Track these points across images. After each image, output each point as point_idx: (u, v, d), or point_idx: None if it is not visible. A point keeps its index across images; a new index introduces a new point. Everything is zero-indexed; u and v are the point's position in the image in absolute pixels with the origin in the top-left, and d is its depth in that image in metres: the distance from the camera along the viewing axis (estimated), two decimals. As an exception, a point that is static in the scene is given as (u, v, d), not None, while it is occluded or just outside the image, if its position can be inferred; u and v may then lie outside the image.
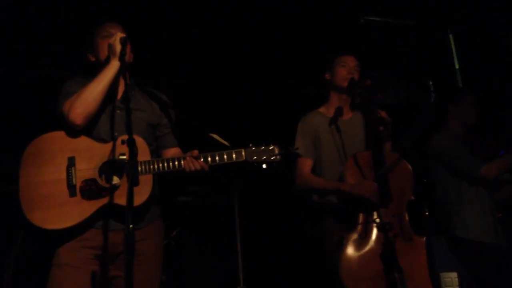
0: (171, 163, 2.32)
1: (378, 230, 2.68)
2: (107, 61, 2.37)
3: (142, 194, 2.23)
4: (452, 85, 3.91)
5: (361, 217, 2.74)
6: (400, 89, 4.51)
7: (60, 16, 3.78)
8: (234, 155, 2.37)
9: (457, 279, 3.68)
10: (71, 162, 2.26)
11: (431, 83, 3.93)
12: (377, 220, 2.68)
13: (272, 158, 2.40)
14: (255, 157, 2.39)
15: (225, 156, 2.36)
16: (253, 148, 2.40)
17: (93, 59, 2.51)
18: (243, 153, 2.38)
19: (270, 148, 2.41)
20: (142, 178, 2.23)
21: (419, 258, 2.68)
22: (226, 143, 2.44)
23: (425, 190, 3.47)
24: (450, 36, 3.97)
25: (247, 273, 4.34)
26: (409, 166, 2.84)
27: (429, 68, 4.23)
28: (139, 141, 2.26)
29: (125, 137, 2.01)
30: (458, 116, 3.46)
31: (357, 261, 2.65)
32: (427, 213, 3.62)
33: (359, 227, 2.72)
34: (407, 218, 2.76)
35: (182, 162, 2.32)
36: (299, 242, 4.58)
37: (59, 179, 2.24)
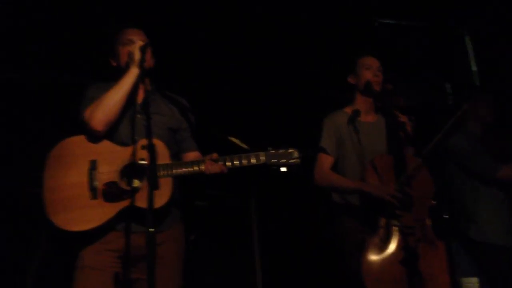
0: (190, 167, 2.34)
1: (400, 234, 2.68)
2: (127, 67, 2.42)
3: (162, 197, 2.25)
4: (469, 87, 3.89)
5: (382, 220, 2.74)
6: (416, 92, 4.49)
7: (84, 22, 3.85)
8: (253, 159, 2.38)
9: (478, 284, 3.63)
10: (93, 165, 2.31)
11: (448, 85, 3.90)
12: (399, 224, 2.68)
13: (291, 161, 2.40)
14: (274, 161, 2.40)
15: (244, 160, 2.37)
16: (272, 152, 2.41)
17: (114, 64, 2.57)
18: (262, 156, 2.39)
19: (289, 151, 2.42)
20: (162, 181, 2.26)
21: (441, 263, 2.67)
22: (245, 146, 2.46)
23: (445, 193, 3.45)
24: (466, 37, 3.95)
25: (265, 277, 4.34)
26: (429, 173, 2.83)
27: (445, 70, 4.21)
28: (159, 145, 2.30)
29: (145, 141, 2.04)
30: (475, 117, 3.43)
31: (378, 264, 2.64)
32: (446, 217, 3.60)
33: (381, 230, 2.71)
34: (428, 223, 2.75)
35: (202, 165, 2.34)
36: (317, 245, 4.57)
37: (81, 182, 2.28)
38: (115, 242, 2.27)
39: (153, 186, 1.91)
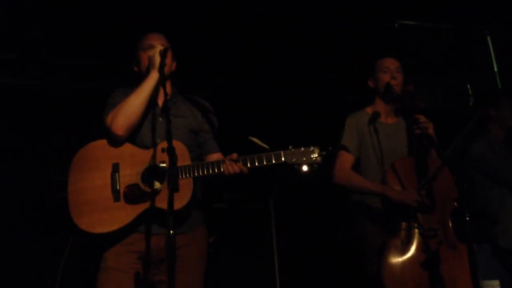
0: (210, 167, 2.34)
1: (422, 237, 2.65)
2: (148, 72, 2.44)
3: (183, 198, 2.27)
4: (492, 90, 3.83)
5: (403, 224, 2.71)
6: (437, 94, 4.45)
7: (107, 28, 3.91)
8: (273, 158, 2.33)
9: (499, 287, 3.58)
10: (115, 168, 2.35)
11: (469, 86, 3.85)
12: (421, 227, 2.66)
13: (312, 159, 2.35)
14: (294, 159, 2.34)
15: (265, 159, 2.33)
16: (293, 150, 2.36)
17: (136, 69, 2.60)
18: (282, 155, 2.34)
19: (310, 149, 2.36)
20: (182, 182, 2.28)
21: (463, 266, 2.58)
22: (265, 146, 2.42)
23: (466, 196, 3.40)
24: (488, 38, 3.90)
25: (284, 278, 4.34)
26: (451, 174, 2.78)
27: (467, 71, 4.15)
28: (179, 146, 2.32)
29: (165, 144, 2.06)
30: (498, 120, 3.38)
31: (399, 267, 2.62)
32: (468, 219, 3.54)
33: (402, 233, 2.69)
34: (451, 225, 2.72)
35: (222, 166, 2.34)
36: (336, 248, 4.55)
37: (104, 185, 2.33)
38: (137, 244, 2.30)
39: (173, 188, 1.93)
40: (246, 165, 2.34)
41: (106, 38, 3.97)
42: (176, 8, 3.86)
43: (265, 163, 2.33)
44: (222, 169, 2.33)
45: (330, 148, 2.41)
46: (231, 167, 2.32)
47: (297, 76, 4.49)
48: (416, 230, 2.67)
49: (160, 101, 2.49)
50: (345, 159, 2.97)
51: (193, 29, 3.97)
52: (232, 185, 4.33)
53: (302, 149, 2.36)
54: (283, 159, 2.34)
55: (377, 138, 2.93)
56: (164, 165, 2.25)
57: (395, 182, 2.78)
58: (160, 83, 2.38)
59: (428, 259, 2.59)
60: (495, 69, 3.86)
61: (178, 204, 2.17)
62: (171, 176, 2.03)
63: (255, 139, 2.45)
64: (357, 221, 3.00)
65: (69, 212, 2.30)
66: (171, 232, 1.86)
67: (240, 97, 4.41)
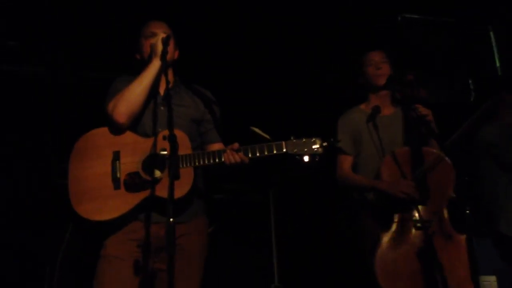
0: (211, 157, 2.33)
1: (415, 228, 2.65)
2: (150, 60, 2.43)
3: (183, 187, 2.27)
4: (492, 83, 3.82)
5: (397, 216, 2.72)
6: (439, 88, 4.44)
7: (107, 17, 3.90)
8: (274, 148, 2.32)
9: (496, 282, 3.58)
10: (116, 156, 2.34)
11: (471, 81, 3.84)
12: (414, 218, 2.66)
13: (314, 150, 2.33)
14: (295, 150, 2.32)
15: (266, 149, 2.32)
16: (294, 141, 2.34)
17: (138, 57, 2.59)
18: (283, 145, 2.32)
19: (312, 140, 2.34)
20: (183, 171, 2.27)
21: (458, 256, 2.63)
22: (267, 136, 2.37)
23: (467, 188, 3.38)
24: (491, 33, 3.88)
25: (282, 270, 4.35)
26: (450, 163, 2.77)
27: (469, 66, 4.14)
28: (181, 135, 2.31)
29: (166, 133, 2.06)
30: (510, 105, 3.27)
31: (393, 260, 2.63)
32: (468, 211, 3.54)
33: (394, 226, 2.69)
34: (446, 215, 2.71)
35: (223, 155, 2.33)
36: (335, 241, 4.56)
37: (105, 173, 2.32)
38: (138, 232, 2.30)
39: (174, 176, 1.93)
40: (247, 155, 2.32)
41: (109, 27, 3.96)
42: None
43: (266, 153, 2.32)
44: (223, 159, 2.32)
45: (332, 139, 2.37)
46: (232, 156, 2.31)
47: (301, 68, 4.48)
48: (410, 222, 2.67)
49: (162, 89, 2.48)
50: (344, 161, 3.04)
51: (195, 17, 3.96)
52: (232, 176, 4.32)
53: (304, 139, 2.34)
54: (284, 149, 2.32)
55: (376, 133, 2.92)
56: (165, 152, 2.25)
57: (389, 174, 2.78)
58: (162, 71, 2.37)
59: (421, 250, 2.59)
60: (497, 64, 3.85)
61: (178, 193, 2.17)
62: (172, 164, 2.03)
63: (257, 130, 2.42)
64: (357, 216, 3.02)
65: (69, 199, 2.30)
66: (171, 220, 1.86)
67: (243, 87, 4.40)
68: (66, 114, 4.05)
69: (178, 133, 2.22)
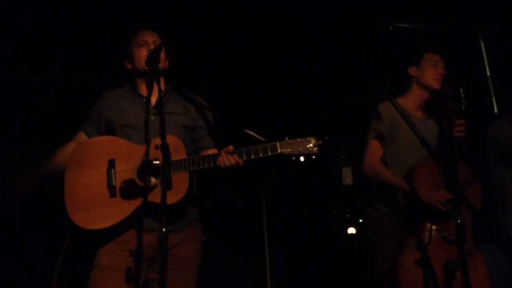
0: (206, 161, 2.31)
1: (443, 241, 2.61)
2: (142, 69, 2.45)
3: (178, 193, 2.25)
4: (483, 92, 3.87)
5: (426, 224, 2.65)
6: (453, 100, 4.46)
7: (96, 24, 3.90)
8: (269, 149, 2.28)
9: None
10: (111, 164, 2.34)
11: (461, 89, 3.88)
12: (444, 231, 2.62)
13: (309, 150, 2.28)
14: (290, 150, 2.28)
15: (260, 151, 2.29)
16: (289, 141, 2.29)
17: (129, 66, 2.58)
18: (278, 146, 2.28)
19: (307, 140, 2.30)
20: (178, 176, 2.26)
21: (478, 275, 2.57)
22: (261, 138, 2.34)
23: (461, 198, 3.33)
24: (481, 42, 3.93)
25: (275, 277, 4.35)
26: (480, 187, 2.74)
27: (460, 74, 4.19)
28: (174, 141, 2.30)
29: (158, 141, 2.05)
30: None
31: (417, 268, 2.55)
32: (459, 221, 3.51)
33: (423, 233, 2.63)
34: (470, 233, 2.68)
35: (218, 158, 2.30)
36: (327, 245, 4.57)
37: (100, 181, 2.32)
38: (131, 242, 2.29)
39: (166, 186, 1.92)
40: (242, 157, 2.29)
41: (101, 32, 3.95)
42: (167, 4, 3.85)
43: (261, 154, 2.28)
44: (218, 162, 2.30)
45: (326, 138, 2.33)
46: (226, 159, 2.28)
47: (295, 71, 4.50)
48: (438, 234, 2.62)
49: (154, 98, 2.48)
50: (376, 149, 2.91)
51: (185, 21, 3.96)
52: (225, 182, 4.32)
53: (299, 139, 2.29)
54: (279, 150, 2.28)
55: (412, 130, 2.72)
56: (158, 162, 2.23)
57: (423, 181, 2.69)
58: (154, 79, 2.37)
59: (446, 264, 2.53)
60: (488, 73, 3.89)
61: (173, 199, 2.16)
62: (165, 173, 2.01)
63: (250, 132, 2.39)
64: (376, 215, 2.92)
65: (65, 208, 2.29)
66: (163, 230, 1.85)
67: (237, 90, 4.41)
68: (55, 119, 4.03)
69: (172, 138, 2.21)
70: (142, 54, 2.47)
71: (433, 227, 2.64)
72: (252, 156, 2.29)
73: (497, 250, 3.09)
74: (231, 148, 2.31)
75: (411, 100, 3.01)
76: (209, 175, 2.49)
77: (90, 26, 3.95)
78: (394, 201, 2.85)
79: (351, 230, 4.80)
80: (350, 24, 4.23)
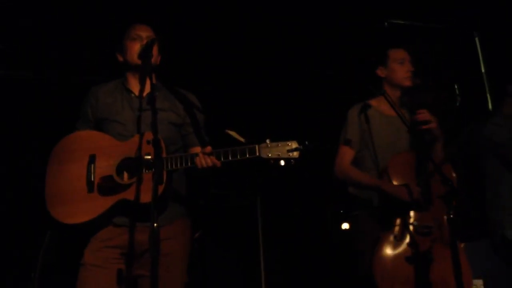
0: (184, 160, 2.29)
1: (416, 233, 2.62)
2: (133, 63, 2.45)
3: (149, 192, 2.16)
4: (478, 89, 3.84)
5: (398, 219, 2.68)
6: (426, 93, 4.44)
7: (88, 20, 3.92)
8: (247, 152, 2.25)
9: (482, 286, 3.54)
10: (92, 160, 2.34)
11: (456, 86, 3.85)
12: (416, 224, 2.63)
13: (288, 154, 2.24)
14: (269, 154, 2.24)
15: (238, 153, 2.25)
16: (269, 145, 2.25)
17: (121, 59, 2.57)
18: (256, 149, 2.25)
19: (288, 144, 2.25)
20: (150, 175, 2.23)
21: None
22: (242, 139, 2.31)
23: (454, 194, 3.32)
24: (476, 39, 3.90)
25: (270, 276, 4.36)
26: (454, 171, 2.74)
27: (455, 71, 4.16)
28: (149, 136, 2.24)
29: (149, 136, 2.05)
30: None
31: (391, 262, 2.59)
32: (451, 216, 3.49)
33: (396, 229, 2.66)
34: (446, 223, 2.63)
35: (195, 159, 2.28)
36: (322, 245, 4.56)
37: (80, 176, 2.33)
38: (116, 238, 2.29)
39: (158, 181, 1.91)
40: (219, 158, 2.27)
41: (101, 31, 3.98)
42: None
43: (239, 157, 2.25)
44: (195, 162, 2.28)
45: (306, 143, 2.29)
46: (204, 160, 2.26)
47: (286, 73, 4.50)
48: (411, 227, 2.63)
49: (144, 93, 2.47)
50: (345, 153, 2.94)
51: (174, 21, 3.98)
52: (220, 181, 4.33)
53: (279, 143, 2.25)
54: (257, 153, 2.24)
55: (384, 130, 2.88)
56: (149, 157, 2.23)
57: (394, 176, 2.72)
58: (146, 74, 2.37)
59: (420, 256, 2.56)
60: (483, 70, 3.86)
61: (147, 197, 2.15)
62: (157, 168, 2.01)
63: (232, 132, 2.37)
64: (354, 215, 2.95)
65: (44, 202, 2.30)
66: (155, 225, 1.87)
67: (227, 91, 4.41)
68: (52, 117, 4.07)
69: (151, 135, 2.21)
70: (134, 48, 2.46)
71: (406, 221, 2.65)
72: (230, 158, 2.27)
73: (489, 247, 3.08)
74: (209, 149, 2.29)
75: (385, 100, 2.96)
76: (203, 174, 2.48)
77: (90, 25, 3.98)
78: (369, 201, 2.87)
79: (345, 226, 4.79)
80: (344, 21, 4.21)
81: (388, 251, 2.61)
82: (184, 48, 4.04)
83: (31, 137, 4.03)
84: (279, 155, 2.25)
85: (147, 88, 2.45)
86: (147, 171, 2.26)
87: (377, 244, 2.63)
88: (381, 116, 2.96)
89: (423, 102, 2.84)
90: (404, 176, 2.71)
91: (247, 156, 2.26)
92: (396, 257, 2.60)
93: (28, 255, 3.46)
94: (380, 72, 3.04)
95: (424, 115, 2.76)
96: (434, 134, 2.78)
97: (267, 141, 2.28)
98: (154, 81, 2.45)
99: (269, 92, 4.59)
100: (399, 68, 2.97)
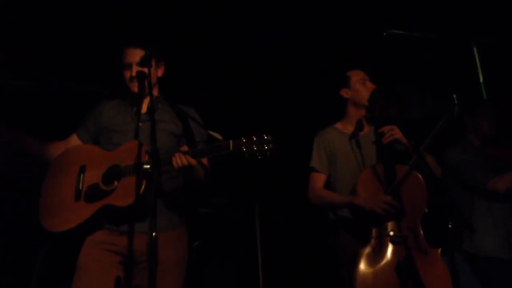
0: (161, 162, 2.30)
1: (392, 243, 2.66)
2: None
3: (128, 197, 2.24)
4: (476, 98, 3.83)
5: (374, 231, 2.73)
6: (424, 103, 4.44)
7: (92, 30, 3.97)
8: (222, 147, 2.26)
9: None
10: (82, 170, 2.43)
11: (455, 96, 3.84)
12: (391, 234, 2.67)
13: (265, 147, 2.24)
14: (244, 149, 2.24)
15: (214, 149, 2.28)
16: (244, 140, 2.26)
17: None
18: (230, 144, 2.25)
19: (264, 138, 2.27)
20: (128, 181, 2.27)
21: (435, 271, 2.62)
22: (219, 137, 2.36)
23: (449, 204, 3.36)
24: (475, 49, 3.89)
25: (268, 285, 4.33)
26: (421, 178, 2.78)
27: (453, 81, 4.15)
28: (134, 144, 2.33)
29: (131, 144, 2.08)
30: (475, 128, 3.37)
31: (372, 275, 2.63)
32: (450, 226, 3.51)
33: (373, 241, 2.70)
34: (421, 231, 2.71)
35: (172, 159, 2.29)
36: (321, 255, 4.53)
37: (70, 187, 2.41)
38: (111, 243, 2.34)
39: (156, 190, 1.97)
40: (196, 157, 2.28)
41: (101, 39, 4.03)
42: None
43: (214, 153, 2.27)
44: (172, 162, 2.29)
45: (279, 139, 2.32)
46: (179, 159, 2.28)
47: (285, 81, 4.52)
48: (387, 238, 2.67)
49: (145, 106, 2.52)
50: (316, 179, 3.03)
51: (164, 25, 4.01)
52: (218, 190, 4.33)
53: (254, 138, 2.27)
54: (231, 148, 2.25)
55: (353, 151, 2.98)
56: (148, 166, 2.25)
57: (365, 189, 2.79)
58: (142, 97, 2.47)
59: (399, 266, 2.60)
60: (481, 80, 3.85)
61: (123, 202, 2.21)
62: (154, 178, 2.04)
63: (212, 132, 2.41)
64: (333, 233, 3.02)
65: (38, 214, 2.38)
66: (153, 234, 1.91)
67: (236, 91, 4.44)
68: (54, 125, 4.10)
69: (133, 143, 2.22)
70: (127, 76, 2.55)
71: (381, 232, 2.69)
72: (204, 154, 2.30)
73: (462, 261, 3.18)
74: (185, 148, 2.33)
75: (351, 121, 3.10)
76: (202, 182, 2.50)
77: (90, 33, 4.03)
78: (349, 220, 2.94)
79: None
80: (343, 30, 4.24)
81: (368, 264, 2.65)
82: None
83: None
84: (254, 149, 2.25)
85: (147, 102, 2.46)
86: (128, 176, 2.30)
87: (357, 259, 2.67)
88: (345, 136, 3.04)
89: (387, 116, 2.89)
90: (373, 189, 2.76)
91: (222, 151, 2.27)
92: (376, 270, 2.64)
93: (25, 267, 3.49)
94: (345, 93, 3.11)
95: (386, 127, 2.82)
96: (402, 143, 2.82)
97: (242, 137, 2.30)
98: (156, 93, 2.54)
99: (266, 96, 4.61)
100: (363, 88, 3.05)
